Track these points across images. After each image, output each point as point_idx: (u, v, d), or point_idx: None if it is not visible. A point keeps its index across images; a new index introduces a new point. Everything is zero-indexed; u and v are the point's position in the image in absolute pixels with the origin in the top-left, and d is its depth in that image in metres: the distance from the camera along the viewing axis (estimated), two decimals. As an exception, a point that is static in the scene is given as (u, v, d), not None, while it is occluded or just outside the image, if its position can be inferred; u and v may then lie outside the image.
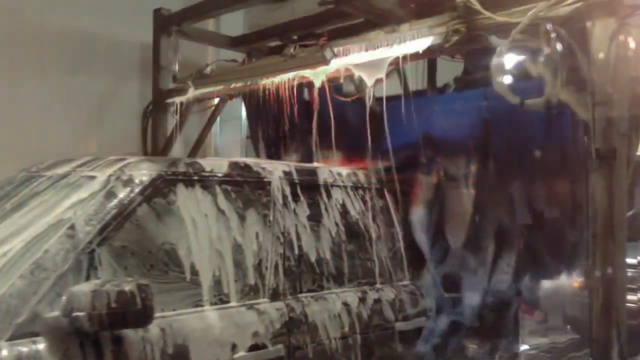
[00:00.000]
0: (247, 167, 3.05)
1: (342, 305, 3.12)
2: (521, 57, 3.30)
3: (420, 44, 3.76)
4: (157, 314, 2.33)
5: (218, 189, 2.85)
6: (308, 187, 3.25)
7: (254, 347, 2.67)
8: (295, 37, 5.25)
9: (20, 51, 5.35)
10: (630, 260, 5.83)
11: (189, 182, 2.75)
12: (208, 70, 5.17)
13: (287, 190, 3.13)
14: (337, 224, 3.32)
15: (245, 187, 2.96)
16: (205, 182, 2.82)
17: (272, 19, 6.10)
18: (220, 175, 2.89)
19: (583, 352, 5.91)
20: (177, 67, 5.75)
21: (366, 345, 3.17)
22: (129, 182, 2.58)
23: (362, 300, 3.24)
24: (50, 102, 5.49)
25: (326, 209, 3.29)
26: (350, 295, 3.21)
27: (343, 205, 3.41)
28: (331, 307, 3.08)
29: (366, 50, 4.02)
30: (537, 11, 3.20)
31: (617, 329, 3.02)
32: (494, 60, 3.30)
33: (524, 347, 4.32)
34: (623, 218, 3.10)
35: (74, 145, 5.44)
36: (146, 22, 5.85)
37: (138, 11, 5.92)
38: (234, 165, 3.00)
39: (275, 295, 2.88)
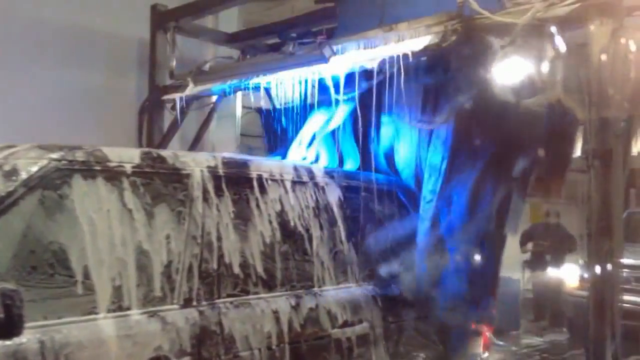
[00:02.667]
0: (161, 158, 2.74)
1: (270, 312, 2.82)
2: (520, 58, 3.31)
3: (418, 42, 3.76)
4: (37, 323, 2.10)
5: (125, 182, 2.54)
6: (237, 182, 2.95)
7: None
8: (294, 35, 5.23)
9: (17, 46, 5.31)
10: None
11: (88, 173, 2.45)
12: (207, 67, 5.16)
13: (210, 185, 2.82)
14: (270, 222, 3.00)
15: (157, 180, 2.64)
16: (109, 173, 2.51)
17: (267, 17, 6.11)
18: (128, 166, 2.58)
19: (570, 353, 5.96)
20: (174, 63, 5.70)
21: (297, 356, 2.89)
22: (12, 172, 2.30)
23: (295, 306, 2.94)
24: (47, 97, 5.45)
25: (258, 206, 2.99)
26: (281, 300, 2.91)
27: (280, 202, 3.09)
28: (256, 314, 2.77)
29: (364, 48, 4.03)
30: (535, 11, 3.20)
31: (612, 329, 3.03)
32: (493, 60, 3.31)
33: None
34: (620, 218, 3.12)
35: (70, 141, 5.40)
36: (145, 18, 5.83)
37: (137, 7, 5.90)
38: (146, 155, 2.69)
39: (187, 302, 2.59)
